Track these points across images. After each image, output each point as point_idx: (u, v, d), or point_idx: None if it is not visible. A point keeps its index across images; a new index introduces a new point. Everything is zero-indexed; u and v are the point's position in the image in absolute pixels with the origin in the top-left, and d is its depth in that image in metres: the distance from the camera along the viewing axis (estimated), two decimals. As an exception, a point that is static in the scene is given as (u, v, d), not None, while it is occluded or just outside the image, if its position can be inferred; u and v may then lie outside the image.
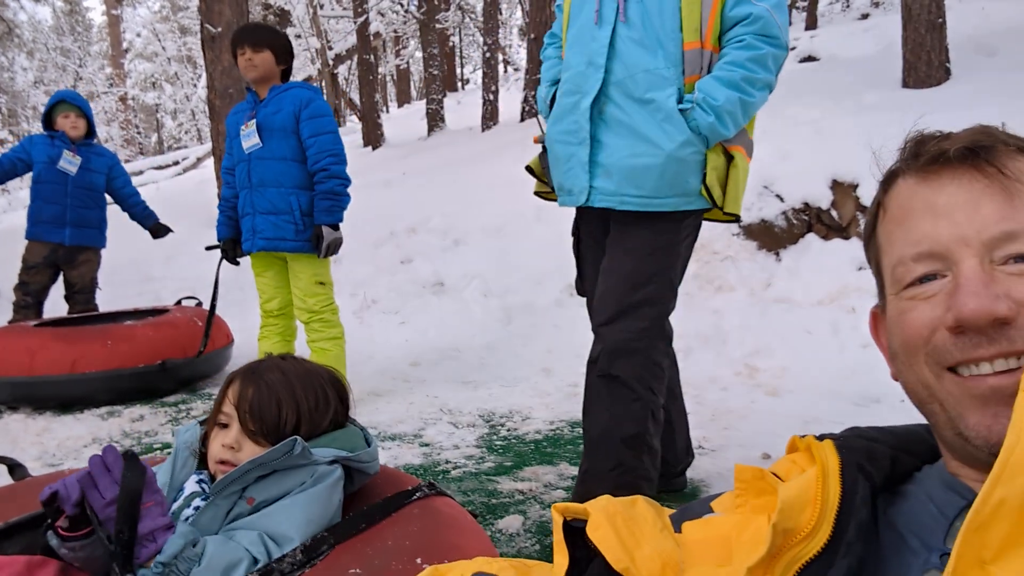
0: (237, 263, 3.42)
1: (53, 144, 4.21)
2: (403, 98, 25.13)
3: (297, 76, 16.84)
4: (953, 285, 0.56)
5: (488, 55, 11.65)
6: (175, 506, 1.15)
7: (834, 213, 4.22)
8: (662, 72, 1.81)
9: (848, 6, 15.33)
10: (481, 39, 13.95)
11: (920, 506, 0.58)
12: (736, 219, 1.93)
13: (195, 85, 25.67)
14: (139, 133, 29.32)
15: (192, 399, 3.60)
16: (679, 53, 1.81)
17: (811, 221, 4.31)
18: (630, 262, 1.90)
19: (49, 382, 3.33)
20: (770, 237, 4.38)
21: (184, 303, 4.43)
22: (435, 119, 12.45)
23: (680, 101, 1.80)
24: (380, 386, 3.65)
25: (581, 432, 2.75)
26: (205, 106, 13.22)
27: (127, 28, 27.56)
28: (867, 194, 4.05)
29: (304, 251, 3.07)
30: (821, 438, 0.63)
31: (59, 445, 2.89)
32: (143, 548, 0.96)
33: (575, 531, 0.68)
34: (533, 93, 9.61)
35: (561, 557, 0.67)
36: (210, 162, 12.92)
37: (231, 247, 3.31)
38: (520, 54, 26.55)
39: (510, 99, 13.04)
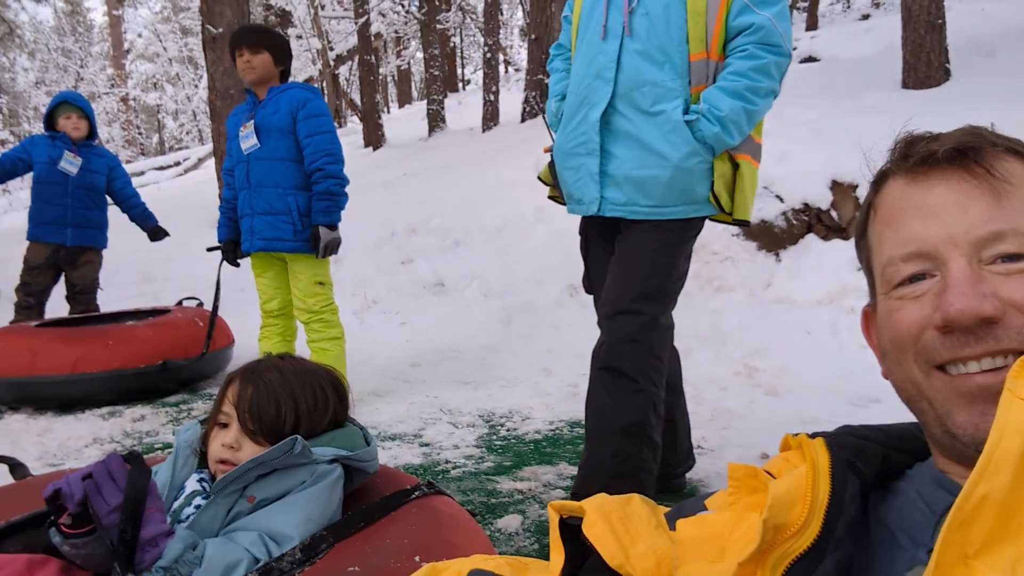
0: (237, 264, 3.42)
1: (54, 145, 4.21)
2: (404, 99, 25.15)
3: (298, 77, 16.86)
4: (942, 285, 0.56)
5: (489, 56, 11.65)
6: (176, 504, 1.16)
7: (834, 213, 4.22)
8: (668, 84, 1.85)
9: (849, 7, 15.34)
10: (482, 40, 13.95)
11: (910, 503, 0.59)
12: (746, 224, 1.98)
13: (196, 86, 25.72)
14: (140, 134, 29.37)
15: (193, 399, 3.61)
16: (685, 64, 1.85)
17: (811, 221, 4.32)
18: (636, 259, 1.95)
19: (50, 382, 3.34)
20: (770, 237, 4.38)
21: (185, 304, 4.45)
22: (436, 120, 12.46)
23: (686, 111, 1.84)
24: (380, 386, 3.65)
25: (581, 432, 2.75)
26: (206, 107, 13.23)
27: (128, 29, 27.63)
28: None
29: (303, 251, 3.07)
30: (813, 436, 0.64)
31: (60, 445, 2.90)
32: (146, 553, 0.96)
33: (571, 528, 0.68)
34: (534, 94, 9.61)
35: (557, 554, 0.68)
36: (211, 163, 12.94)
37: (231, 248, 3.31)
38: (521, 54, 26.56)
39: (511, 100, 13.02)
